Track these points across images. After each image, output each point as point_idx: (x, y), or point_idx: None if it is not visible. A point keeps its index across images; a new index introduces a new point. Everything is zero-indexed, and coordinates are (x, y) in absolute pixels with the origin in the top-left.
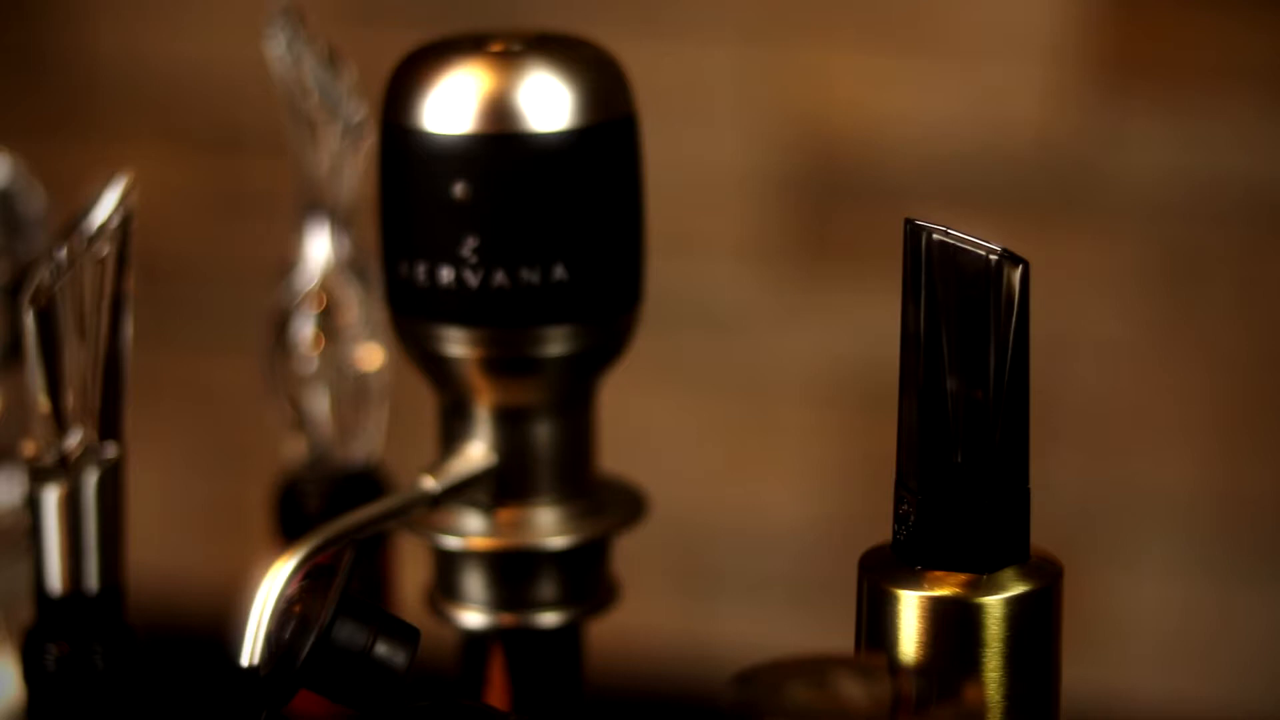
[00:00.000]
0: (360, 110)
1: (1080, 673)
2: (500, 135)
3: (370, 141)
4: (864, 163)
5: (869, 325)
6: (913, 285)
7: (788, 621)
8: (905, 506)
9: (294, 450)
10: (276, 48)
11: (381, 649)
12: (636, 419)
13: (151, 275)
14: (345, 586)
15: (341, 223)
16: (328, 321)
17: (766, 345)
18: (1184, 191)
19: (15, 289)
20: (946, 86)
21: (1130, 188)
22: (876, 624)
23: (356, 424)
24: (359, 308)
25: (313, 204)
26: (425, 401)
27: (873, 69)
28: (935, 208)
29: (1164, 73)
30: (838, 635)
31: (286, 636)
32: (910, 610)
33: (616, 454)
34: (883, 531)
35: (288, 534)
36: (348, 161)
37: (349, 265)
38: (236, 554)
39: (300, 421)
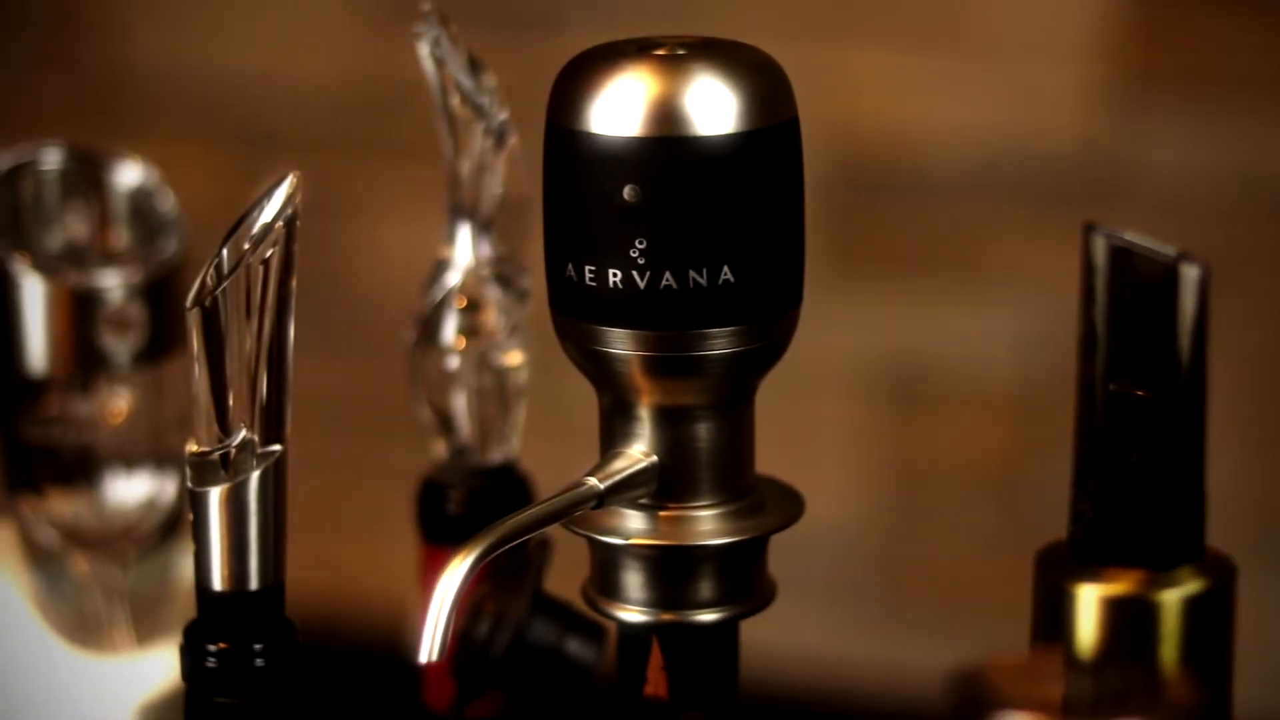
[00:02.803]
0: (503, 112)
1: None
2: (669, 138)
3: (514, 142)
4: (895, 162)
5: (900, 325)
6: (1090, 288)
7: (819, 623)
8: (1083, 505)
9: (435, 450)
10: (421, 49)
11: (573, 646)
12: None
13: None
14: (538, 584)
15: (483, 224)
16: (469, 322)
17: (796, 345)
18: (1215, 192)
19: (148, 289)
20: (977, 86)
21: (1161, 188)
22: (1053, 620)
23: (496, 424)
24: (499, 308)
25: (456, 205)
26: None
27: (903, 69)
28: (967, 207)
29: (1195, 74)
30: (867, 637)
31: (477, 635)
32: (1088, 607)
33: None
34: (915, 532)
35: (429, 533)
36: (490, 163)
37: (490, 266)
38: None
39: (442, 422)
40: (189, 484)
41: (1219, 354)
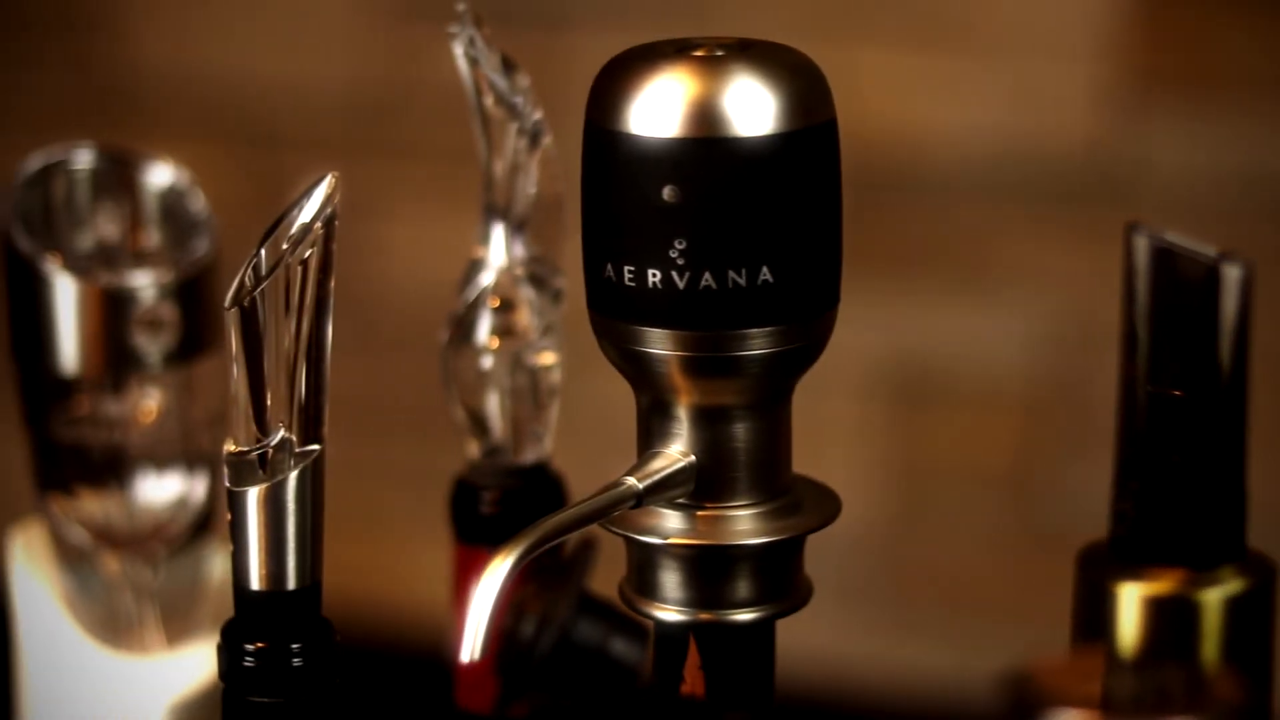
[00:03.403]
0: (537, 112)
1: None
2: (709, 139)
3: (548, 142)
4: (899, 162)
5: (905, 324)
6: (1131, 289)
7: (825, 622)
8: (1124, 504)
9: (468, 450)
10: (456, 49)
11: (618, 646)
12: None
13: None
14: (583, 585)
15: (516, 224)
16: (502, 322)
17: None
18: (1220, 192)
19: (179, 289)
20: (982, 87)
21: (1166, 188)
22: (1095, 619)
23: (529, 424)
24: (532, 309)
25: (490, 206)
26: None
27: (907, 69)
28: (971, 207)
29: (1200, 75)
30: (872, 636)
31: (522, 635)
32: (1130, 606)
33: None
34: (920, 532)
35: (462, 533)
36: (524, 163)
37: (524, 266)
38: None
39: (474, 422)
40: (227, 484)
41: None
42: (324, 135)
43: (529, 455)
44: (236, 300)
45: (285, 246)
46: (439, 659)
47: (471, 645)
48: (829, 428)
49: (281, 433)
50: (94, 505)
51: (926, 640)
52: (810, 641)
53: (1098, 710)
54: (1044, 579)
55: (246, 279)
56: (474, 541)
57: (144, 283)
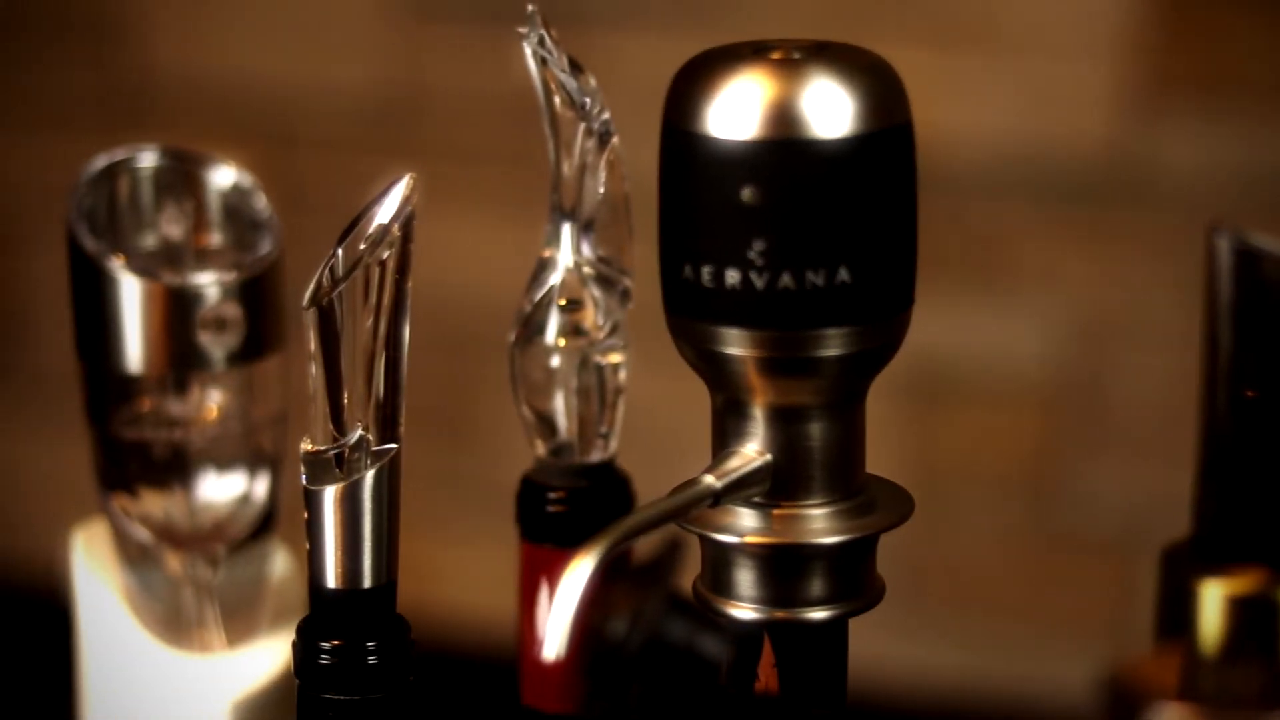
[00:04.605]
0: (605, 113)
1: None
2: (787, 141)
3: (616, 143)
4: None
5: (921, 324)
6: (1213, 290)
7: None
8: (1207, 504)
9: (535, 449)
10: (526, 49)
11: (705, 645)
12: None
13: None
14: (672, 583)
15: (584, 224)
16: (570, 322)
17: None
18: (1239, 192)
19: (242, 289)
20: (998, 87)
21: (1184, 189)
22: (1177, 617)
23: (595, 423)
24: (600, 308)
25: (557, 205)
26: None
27: (923, 69)
28: (988, 207)
29: (1217, 76)
30: (888, 636)
31: (611, 634)
32: (1212, 604)
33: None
34: (936, 531)
35: (528, 532)
36: (592, 164)
37: (591, 266)
38: None
39: (541, 421)
40: (304, 482)
41: None
42: (341, 136)
43: (595, 454)
44: (314, 300)
45: (363, 247)
46: (492, 657)
47: (555, 644)
48: None
49: (359, 432)
50: (156, 504)
51: (943, 639)
52: None
53: (1195, 705)
54: (1058, 578)
55: (324, 279)
56: (540, 540)
57: (208, 282)
